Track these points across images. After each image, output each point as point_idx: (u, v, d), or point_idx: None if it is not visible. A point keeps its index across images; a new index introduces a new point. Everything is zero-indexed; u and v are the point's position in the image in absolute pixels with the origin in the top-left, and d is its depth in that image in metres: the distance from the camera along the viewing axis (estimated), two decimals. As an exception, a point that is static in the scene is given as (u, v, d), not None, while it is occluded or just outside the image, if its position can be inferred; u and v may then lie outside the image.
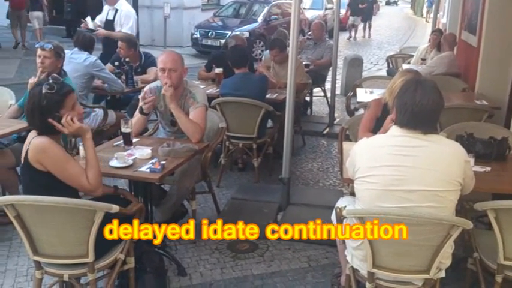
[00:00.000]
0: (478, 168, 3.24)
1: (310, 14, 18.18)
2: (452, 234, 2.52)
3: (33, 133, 2.86)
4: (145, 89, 3.98)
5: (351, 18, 19.16)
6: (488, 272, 2.95)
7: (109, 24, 7.56)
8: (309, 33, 10.48)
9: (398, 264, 2.65)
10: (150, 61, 6.35)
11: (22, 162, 2.84)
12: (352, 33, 19.47)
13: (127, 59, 6.13)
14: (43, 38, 13.37)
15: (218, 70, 6.08)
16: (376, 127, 3.76)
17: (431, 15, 13.86)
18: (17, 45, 13.89)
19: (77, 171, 2.82)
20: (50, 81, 2.80)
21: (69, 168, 2.79)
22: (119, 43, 6.23)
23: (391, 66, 8.82)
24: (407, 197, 2.52)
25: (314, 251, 4.02)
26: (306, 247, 4.08)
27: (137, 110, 3.94)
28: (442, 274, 2.71)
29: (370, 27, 20.37)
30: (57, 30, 15.82)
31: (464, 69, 7.00)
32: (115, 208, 2.69)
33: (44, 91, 2.75)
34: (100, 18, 7.80)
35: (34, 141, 2.78)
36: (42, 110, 2.77)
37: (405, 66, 7.86)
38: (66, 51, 4.93)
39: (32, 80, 4.45)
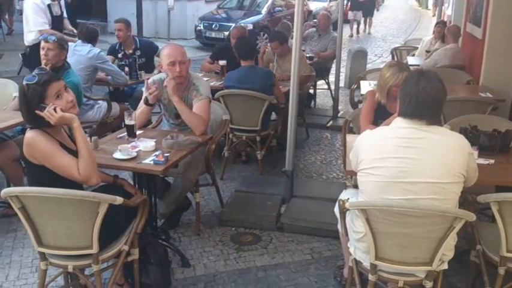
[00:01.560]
0: (482, 161, 3.23)
1: (314, 6, 18.08)
2: (455, 226, 2.52)
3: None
4: (149, 81, 3.97)
5: (350, 13, 17.97)
6: (491, 264, 2.95)
7: (59, 21, 6.55)
8: (314, 20, 10.38)
9: (401, 256, 2.65)
10: (153, 47, 6.37)
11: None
12: (354, 30, 18.47)
13: (130, 51, 6.15)
14: None
15: (222, 62, 6.06)
16: (374, 119, 3.76)
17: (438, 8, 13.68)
18: (11, 32, 13.90)
19: (66, 163, 2.78)
20: (34, 72, 2.76)
21: (57, 161, 2.76)
22: (118, 25, 6.17)
23: (395, 58, 8.77)
24: (411, 189, 2.52)
25: (317, 243, 4.04)
26: (309, 239, 4.09)
27: (141, 101, 3.94)
28: (445, 266, 2.72)
29: (370, 23, 19.28)
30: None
31: (468, 62, 6.97)
32: (119, 200, 2.69)
33: (24, 83, 2.72)
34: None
35: (25, 136, 2.78)
36: (27, 102, 2.74)
37: (410, 58, 7.83)
38: (69, 43, 4.93)
39: None
